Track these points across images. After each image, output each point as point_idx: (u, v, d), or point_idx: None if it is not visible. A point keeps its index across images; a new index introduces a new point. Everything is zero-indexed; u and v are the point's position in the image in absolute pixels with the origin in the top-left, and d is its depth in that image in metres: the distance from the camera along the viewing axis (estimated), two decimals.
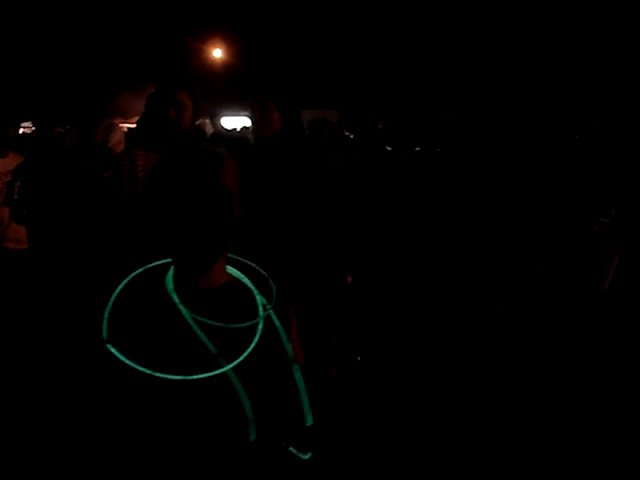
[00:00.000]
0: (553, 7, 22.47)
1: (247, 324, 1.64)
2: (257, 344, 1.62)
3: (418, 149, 8.18)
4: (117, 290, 1.64)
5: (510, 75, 22.67)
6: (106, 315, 1.58)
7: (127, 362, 1.49)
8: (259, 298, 1.74)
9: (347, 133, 9.10)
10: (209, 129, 9.43)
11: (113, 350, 1.50)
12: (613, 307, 4.58)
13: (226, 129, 10.27)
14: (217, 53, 26.56)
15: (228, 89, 22.86)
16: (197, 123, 4.39)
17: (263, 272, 1.83)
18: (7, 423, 3.75)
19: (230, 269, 1.80)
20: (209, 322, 1.59)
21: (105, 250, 3.75)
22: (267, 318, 1.69)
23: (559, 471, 3.30)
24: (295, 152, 3.38)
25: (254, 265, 1.82)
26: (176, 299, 1.60)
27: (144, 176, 3.48)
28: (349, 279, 4.24)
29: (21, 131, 9.26)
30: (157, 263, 1.70)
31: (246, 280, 1.79)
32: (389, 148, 6.99)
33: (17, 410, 3.77)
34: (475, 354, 4.06)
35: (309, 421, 1.74)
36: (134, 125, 6.54)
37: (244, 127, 11.89)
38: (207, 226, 1.56)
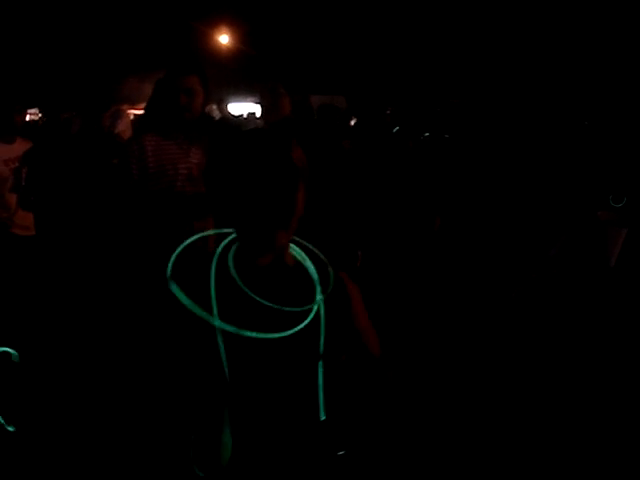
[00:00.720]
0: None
1: (300, 309, 1.67)
2: (300, 329, 1.64)
3: (427, 135, 8.14)
4: (177, 251, 1.71)
5: (521, 61, 22.54)
6: (171, 262, 1.66)
7: (185, 301, 1.56)
8: (318, 283, 1.75)
9: (352, 121, 9.06)
10: (216, 115, 9.39)
11: (175, 288, 1.59)
12: (619, 286, 4.57)
13: (233, 115, 10.25)
14: (224, 39, 26.47)
15: (235, 75, 22.80)
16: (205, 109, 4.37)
17: (323, 257, 1.84)
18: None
19: (294, 249, 1.83)
20: (263, 301, 1.63)
21: (116, 235, 3.75)
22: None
23: (562, 470, 3.29)
24: (305, 136, 3.36)
25: (315, 250, 1.84)
26: (234, 274, 1.65)
27: (154, 162, 3.47)
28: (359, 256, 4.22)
29: (28, 117, 9.23)
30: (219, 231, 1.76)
31: (308, 263, 1.81)
32: (396, 129, 6.96)
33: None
34: (485, 344, 4.03)
35: (322, 416, 1.75)
36: (141, 111, 6.53)
37: (250, 113, 11.85)
38: (275, 200, 1.60)
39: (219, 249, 1.77)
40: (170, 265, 1.67)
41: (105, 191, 5.14)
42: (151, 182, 3.46)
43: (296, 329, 1.65)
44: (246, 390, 1.69)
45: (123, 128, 5.38)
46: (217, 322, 1.59)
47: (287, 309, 1.67)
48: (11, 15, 20.45)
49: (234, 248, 1.77)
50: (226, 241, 1.78)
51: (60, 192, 5.25)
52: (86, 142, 5.21)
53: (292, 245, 1.83)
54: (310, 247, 1.83)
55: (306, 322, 1.67)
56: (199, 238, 1.85)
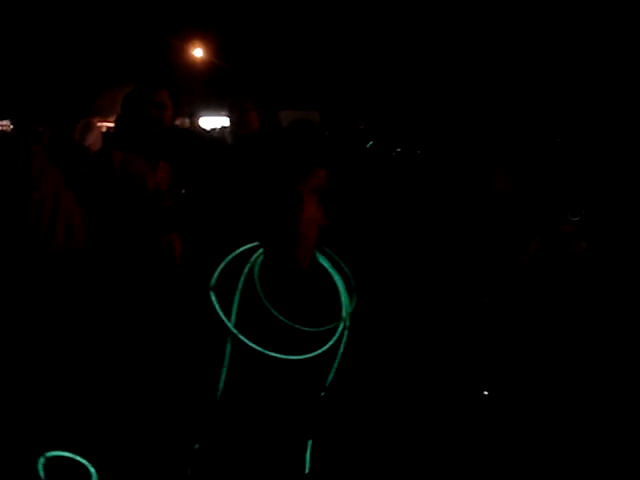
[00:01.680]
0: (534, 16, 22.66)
1: (323, 329, 1.68)
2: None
3: (398, 150, 8.18)
4: (224, 262, 1.74)
5: (491, 76, 22.80)
6: (217, 273, 1.70)
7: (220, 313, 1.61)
8: (344, 299, 1.76)
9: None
10: (187, 127, 9.39)
11: (213, 298, 1.63)
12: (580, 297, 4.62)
13: (204, 129, 10.26)
14: (197, 52, 26.47)
15: (207, 88, 22.79)
16: (176, 123, 4.37)
17: (348, 271, 1.85)
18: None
19: (323, 260, 1.84)
20: (285, 320, 1.65)
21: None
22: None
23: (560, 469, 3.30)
24: (273, 151, 3.37)
25: (342, 263, 1.85)
26: (258, 286, 1.69)
27: (121, 176, 3.47)
28: None
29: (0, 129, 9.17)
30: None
31: (336, 277, 1.82)
32: (370, 144, 6.98)
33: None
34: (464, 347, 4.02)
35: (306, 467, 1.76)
36: (112, 124, 6.48)
37: (223, 127, 11.85)
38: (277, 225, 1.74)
39: (249, 264, 1.80)
40: (215, 276, 1.71)
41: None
42: (119, 197, 3.46)
43: (317, 352, 1.66)
44: (235, 409, 1.70)
45: (93, 141, 5.34)
46: (243, 338, 1.62)
47: (310, 329, 1.68)
48: None
49: (260, 263, 1.80)
50: (256, 255, 1.81)
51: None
52: (55, 154, 5.16)
53: (320, 256, 1.85)
54: (338, 260, 1.85)
55: (330, 344, 1.68)
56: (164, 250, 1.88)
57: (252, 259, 1.80)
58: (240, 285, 1.74)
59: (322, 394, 1.77)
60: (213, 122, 17.13)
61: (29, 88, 19.11)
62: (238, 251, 1.84)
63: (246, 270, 1.77)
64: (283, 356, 1.67)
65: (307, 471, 1.82)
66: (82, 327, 3.60)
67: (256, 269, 1.80)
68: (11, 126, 14.20)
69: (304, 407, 1.81)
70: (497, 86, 22.12)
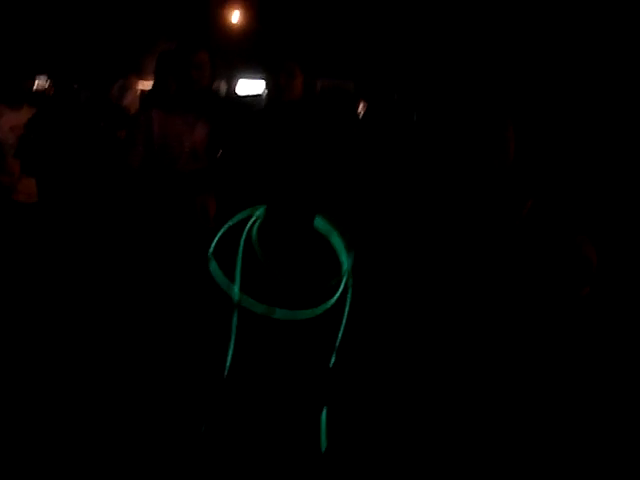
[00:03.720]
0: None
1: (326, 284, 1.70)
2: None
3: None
4: (224, 229, 1.77)
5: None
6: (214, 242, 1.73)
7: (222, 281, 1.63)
8: (344, 259, 1.78)
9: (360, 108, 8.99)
10: (223, 92, 9.38)
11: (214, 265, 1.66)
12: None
13: (239, 95, 10.24)
14: (235, 15, 26.30)
15: (244, 52, 22.67)
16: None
17: (345, 234, 1.87)
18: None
19: (320, 223, 1.85)
20: (280, 276, 1.68)
21: (118, 210, 3.78)
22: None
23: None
24: (316, 118, 3.38)
25: (338, 231, 1.87)
26: (256, 245, 1.72)
27: (159, 137, 3.51)
28: None
29: (36, 85, 9.20)
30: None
31: (334, 239, 1.84)
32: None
33: None
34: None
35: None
36: (149, 83, 6.49)
37: (257, 95, 11.82)
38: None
39: (247, 227, 1.82)
40: (213, 245, 1.74)
41: (109, 163, 5.15)
42: (156, 155, 3.50)
43: (325, 306, 1.68)
44: (244, 385, 1.73)
45: (130, 101, 5.38)
46: (247, 301, 1.64)
47: (314, 284, 1.70)
48: None
49: (258, 224, 1.82)
50: (254, 219, 1.83)
51: (64, 161, 5.26)
52: (93, 113, 5.21)
53: (318, 219, 1.86)
54: (333, 224, 1.86)
55: (334, 299, 1.69)
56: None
57: (247, 226, 1.82)
58: (240, 252, 1.75)
59: (332, 361, 1.77)
60: (249, 85, 17.04)
61: (67, 45, 19.17)
62: (234, 220, 1.86)
63: (244, 237, 1.78)
64: (289, 313, 1.67)
65: (323, 449, 1.83)
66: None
67: (254, 234, 1.81)
68: (48, 81, 14.24)
69: (316, 375, 1.82)
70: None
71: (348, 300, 1.79)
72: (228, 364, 1.70)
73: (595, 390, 2.94)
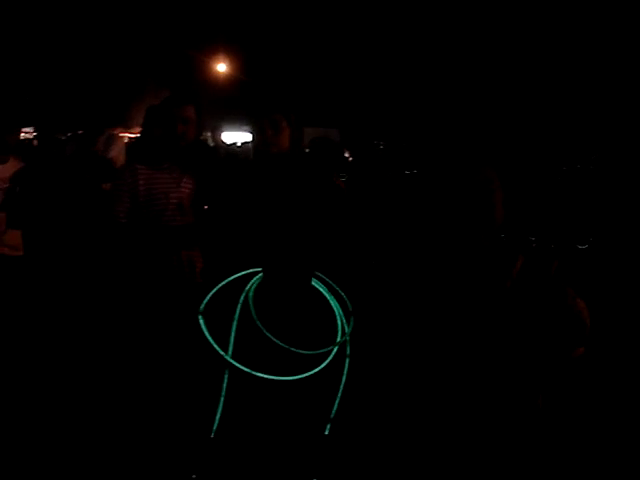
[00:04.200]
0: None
1: (317, 352, 1.68)
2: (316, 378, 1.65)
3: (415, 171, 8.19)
4: (216, 289, 1.77)
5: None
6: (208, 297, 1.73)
7: (209, 338, 1.63)
8: (340, 322, 1.77)
9: (346, 154, 9.10)
10: (210, 143, 9.43)
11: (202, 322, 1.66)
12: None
13: (226, 143, 10.29)
14: (220, 67, 26.64)
15: (229, 103, 22.91)
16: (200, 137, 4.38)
17: (345, 296, 1.86)
18: None
19: (317, 285, 1.85)
20: (277, 342, 1.66)
21: (103, 261, 3.75)
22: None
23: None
24: (304, 170, 3.37)
25: (338, 288, 1.87)
26: (253, 312, 1.72)
27: (145, 190, 3.50)
28: None
29: (22, 136, 9.22)
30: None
31: (333, 302, 1.83)
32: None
33: None
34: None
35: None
36: (135, 135, 6.49)
37: (245, 142, 11.85)
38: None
39: (247, 287, 1.82)
40: (205, 301, 1.73)
41: (93, 215, 5.14)
42: (142, 211, 3.49)
43: (311, 372, 1.66)
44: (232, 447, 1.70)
45: (116, 153, 5.39)
46: (232, 361, 1.62)
47: (304, 352, 1.68)
48: (8, 32, 20.52)
49: (255, 286, 1.82)
50: (252, 282, 1.83)
51: (50, 213, 5.24)
52: (79, 165, 5.21)
53: (316, 282, 1.86)
54: (333, 285, 1.87)
55: (322, 366, 1.68)
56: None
57: (247, 287, 1.82)
58: (237, 313, 1.75)
59: (328, 428, 1.76)
60: (234, 137, 17.18)
61: (53, 96, 19.31)
62: (231, 278, 1.87)
63: (242, 298, 1.78)
64: (274, 377, 1.66)
65: None
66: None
67: (251, 295, 1.81)
68: (34, 133, 14.28)
69: (308, 443, 1.80)
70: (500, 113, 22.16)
71: (346, 368, 1.77)
72: (216, 425, 1.67)
73: None
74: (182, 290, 3.28)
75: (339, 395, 1.76)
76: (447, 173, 4.05)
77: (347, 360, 1.80)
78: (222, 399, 1.70)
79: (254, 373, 1.66)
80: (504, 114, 22.22)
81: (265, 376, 1.66)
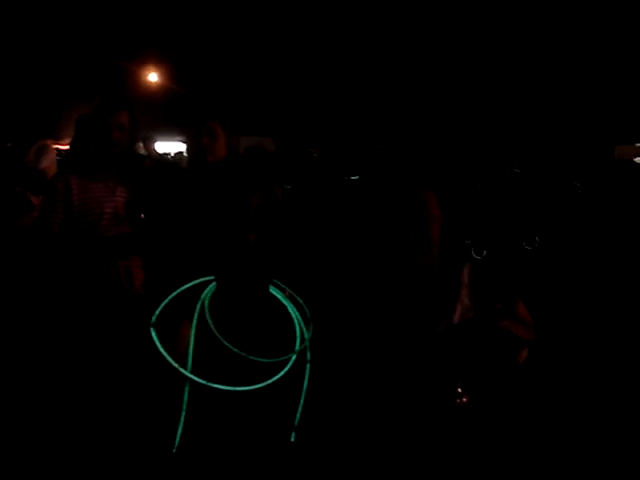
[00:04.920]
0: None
1: (276, 360, 1.69)
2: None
3: (356, 178, 8.23)
4: (173, 294, 1.76)
5: (447, 104, 23.19)
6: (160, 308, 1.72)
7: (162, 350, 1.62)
8: (298, 328, 1.77)
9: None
10: (142, 152, 9.31)
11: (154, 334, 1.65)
12: None
13: (160, 154, 10.20)
14: (152, 77, 26.36)
15: (160, 113, 22.70)
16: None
17: (302, 302, 1.87)
18: None
19: (274, 292, 1.85)
20: (233, 349, 1.66)
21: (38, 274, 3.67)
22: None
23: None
24: (240, 179, 3.37)
25: (295, 295, 1.87)
26: (209, 318, 1.72)
27: (79, 200, 3.44)
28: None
29: None
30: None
31: (290, 308, 1.83)
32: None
33: None
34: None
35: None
36: (65, 147, 6.35)
37: (178, 152, 11.77)
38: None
39: (202, 296, 1.82)
40: (157, 313, 1.72)
41: (22, 228, 5.02)
42: (76, 221, 3.43)
43: (269, 382, 1.67)
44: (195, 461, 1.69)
45: (48, 164, 5.27)
46: (188, 374, 1.61)
47: (263, 360, 1.69)
48: None
49: (210, 294, 1.81)
50: (208, 289, 1.83)
51: None
52: (9, 177, 5.08)
53: (273, 289, 1.87)
54: (290, 292, 1.87)
55: (281, 374, 1.68)
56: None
57: (202, 296, 1.82)
58: (194, 323, 1.75)
59: (293, 436, 1.77)
60: (167, 147, 17.02)
61: None
62: (182, 288, 1.86)
63: (198, 308, 1.78)
64: (231, 388, 1.67)
65: None
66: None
67: (207, 304, 1.81)
68: None
69: (274, 452, 1.81)
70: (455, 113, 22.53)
71: (307, 374, 1.79)
72: (178, 439, 1.65)
73: None
74: (120, 302, 3.23)
75: (301, 402, 1.78)
76: (384, 191, 4.13)
77: (308, 366, 1.82)
78: (183, 413, 1.68)
79: (213, 385, 1.66)
80: (436, 119, 22.60)
81: (224, 387, 1.66)
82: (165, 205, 3.35)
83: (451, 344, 3.31)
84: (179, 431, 1.70)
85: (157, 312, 1.77)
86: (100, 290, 3.34)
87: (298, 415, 1.77)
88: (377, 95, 24.49)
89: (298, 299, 1.96)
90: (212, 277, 1.90)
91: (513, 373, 3.31)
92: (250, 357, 1.71)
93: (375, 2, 24.84)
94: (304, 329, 1.85)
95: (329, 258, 4.06)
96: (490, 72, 23.14)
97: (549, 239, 8.67)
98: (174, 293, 1.88)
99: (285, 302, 1.92)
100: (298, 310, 1.91)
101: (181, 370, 1.66)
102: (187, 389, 1.68)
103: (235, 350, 1.71)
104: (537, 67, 22.81)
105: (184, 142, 3.63)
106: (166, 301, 1.83)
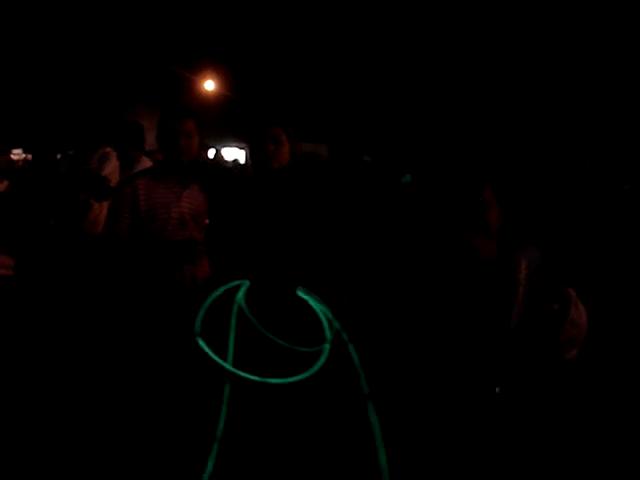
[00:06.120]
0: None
1: (315, 348, 1.72)
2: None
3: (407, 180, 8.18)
4: (211, 298, 1.80)
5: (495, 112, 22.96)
6: (200, 315, 1.76)
7: (212, 355, 1.66)
8: (325, 322, 1.81)
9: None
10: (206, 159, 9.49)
11: (202, 343, 1.69)
12: None
13: (227, 161, 10.40)
14: (209, 85, 26.71)
15: (214, 120, 22.99)
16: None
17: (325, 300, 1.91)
18: None
19: (301, 292, 1.89)
20: (277, 340, 1.70)
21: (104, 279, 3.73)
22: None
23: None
24: (312, 183, 3.39)
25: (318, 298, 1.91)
26: (249, 315, 1.76)
27: (145, 205, 3.50)
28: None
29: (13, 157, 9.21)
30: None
31: (314, 304, 1.87)
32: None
33: None
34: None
35: None
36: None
37: (236, 160, 11.96)
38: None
39: (238, 297, 1.85)
40: (199, 321, 1.75)
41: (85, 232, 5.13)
42: (143, 226, 3.48)
43: (313, 370, 1.69)
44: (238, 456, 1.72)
45: (110, 171, 5.38)
46: (237, 371, 1.64)
47: (305, 349, 1.72)
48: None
49: (244, 292, 1.85)
50: (243, 289, 1.87)
51: (42, 234, 5.22)
52: (73, 184, 5.20)
53: (301, 289, 1.90)
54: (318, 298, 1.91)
55: (320, 364, 1.70)
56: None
57: (238, 298, 1.85)
58: (233, 324, 1.77)
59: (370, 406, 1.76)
60: (230, 154, 17.20)
61: (44, 116, 19.28)
62: (218, 292, 1.89)
63: (235, 309, 1.81)
64: (281, 380, 1.68)
65: None
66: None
67: (243, 304, 1.84)
68: (23, 155, 14.25)
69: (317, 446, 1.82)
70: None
71: (353, 352, 1.78)
72: (219, 435, 1.67)
73: None
74: (184, 306, 3.27)
75: (361, 373, 1.77)
76: (440, 182, 4.09)
77: (350, 346, 1.82)
78: (225, 407, 1.71)
79: (259, 379, 1.68)
80: (498, 119, 22.39)
81: (271, 381, 1.68)
82: (232, 211, 3.38)
83: (509, 350, 3.25)
84: (221, 423, 1.72)
85: (199, 317, 1.79)
86: (167, 295, 3.40)
87: (364, 385, 1.76)
88: (433, 101, 24.37)
89: (326, 308, 1.97)
90: (240, 281, 1.94)
91: (561, 373, 3.23)
92: (292, 347, 1.74)
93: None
94: (332, 318, 1.86)
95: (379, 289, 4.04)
96: (553, 75, 22.83)
97: (607, 239, 8.51)
98: (209, 301, 1.91)
99: (312, 302, 1.95)
100: (325, 307, 1.93)
101: (232, 369, 1.69)
102: (228, 386, 1.71)
103: (277, 340, 1.75)
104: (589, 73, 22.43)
105: (240, 148, 3.67)
106: (203, 310, 1.85)
